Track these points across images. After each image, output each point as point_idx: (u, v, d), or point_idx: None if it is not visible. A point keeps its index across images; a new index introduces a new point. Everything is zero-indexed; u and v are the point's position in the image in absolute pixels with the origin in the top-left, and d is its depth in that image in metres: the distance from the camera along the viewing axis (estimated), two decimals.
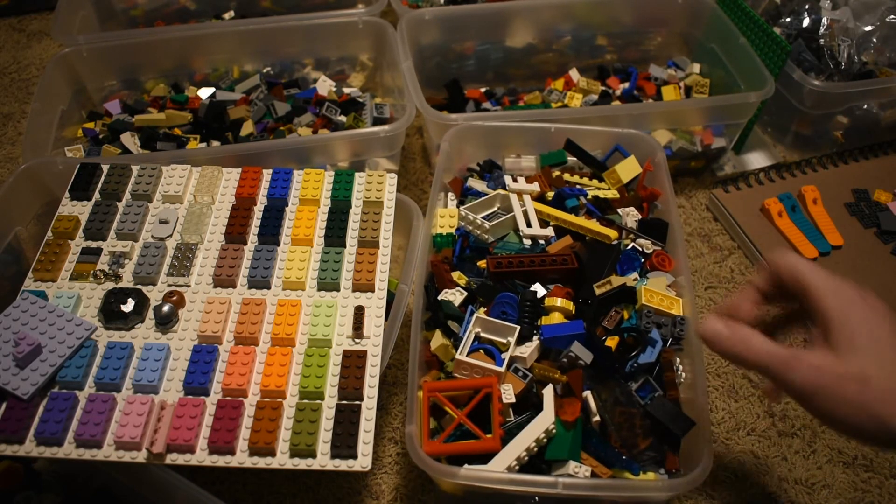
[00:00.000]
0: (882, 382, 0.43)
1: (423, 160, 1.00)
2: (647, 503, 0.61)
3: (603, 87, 1.02)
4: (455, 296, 0.67)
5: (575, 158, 0.82)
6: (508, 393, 0.59)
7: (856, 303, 0.47)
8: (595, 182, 0.81)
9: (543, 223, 0.74)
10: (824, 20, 0.97)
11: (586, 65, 1.07)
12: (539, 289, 0.67)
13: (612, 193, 0.78)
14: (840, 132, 0.99)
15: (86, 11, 1.03)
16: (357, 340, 0.62)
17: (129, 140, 0.91)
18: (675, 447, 0.60)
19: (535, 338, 0.63)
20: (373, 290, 0.66)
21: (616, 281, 0.67)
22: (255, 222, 0.70)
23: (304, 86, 1.00)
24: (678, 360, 0.65)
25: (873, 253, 0.88)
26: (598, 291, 0.67)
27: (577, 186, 0.79)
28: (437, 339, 0.63)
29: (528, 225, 0.73)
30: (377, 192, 0.72)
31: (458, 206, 0.78)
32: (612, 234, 0.71)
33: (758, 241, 0.88)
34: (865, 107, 0.97)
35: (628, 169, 0.79)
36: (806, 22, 0.98)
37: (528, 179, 0.80)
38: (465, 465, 0.56)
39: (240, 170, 0.74)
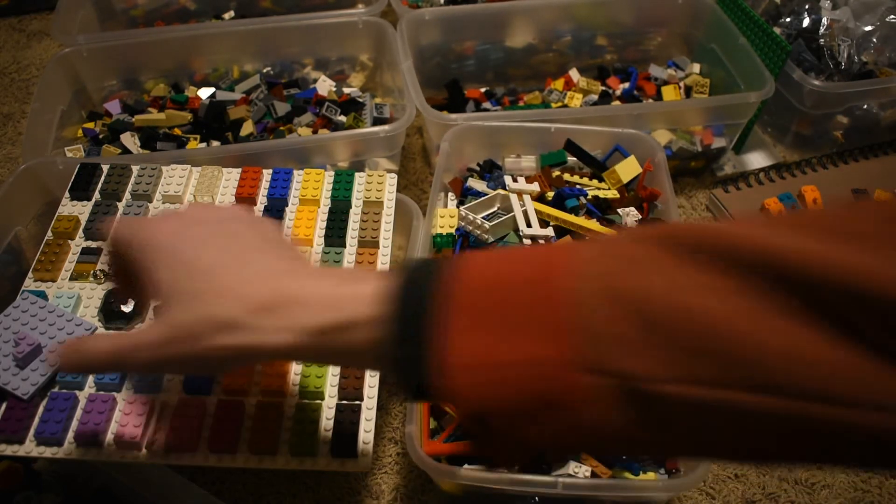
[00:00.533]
0: (200, 314, 0.38)
1: (423, 160, 1.00)
2: (647, 503, 0.61)
3: (603, 87, 1.02)
4: None
5: (575, 158, 0.82)
6: None
7: (152, 242, 0.41)
8: (595, 182, 0.81)
9: (543, 223, 0.74)
10: (824, 20, 0.97)
11: (586, 65, 1.07)
12: None
13: (612, 193, 0.78)
14: (840, 132, 0.99)
15: (86, 11, 1.03)
16: None
17: (129, 140, 0.91)
18: None
19: None
20: None
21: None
22: None
23: (304, 86, 1.00)
24: None
25: None
26: None
27: (577, 186, 0.79)
28: None
29: (528, 225, 0.73)
30: (377, 192, 0.72)
31: (458, 206, 0.78)
32: (613, 234, 0.71)
33: None
34: (865, 107, 0.97)
35: (628, 169, 0.79)
36: (806, 22, 0.98)
37: (528, 179, 0.80)
38: (465, 465, 0.56)
39: (240, 170, 0.74)
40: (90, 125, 0.95)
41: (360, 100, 0.97)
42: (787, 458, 0.32)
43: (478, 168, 0.85)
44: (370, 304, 0.35)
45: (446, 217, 0.75)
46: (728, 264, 0.28)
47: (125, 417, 0.56)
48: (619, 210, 0.76)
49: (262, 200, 0.72)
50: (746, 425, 0.28)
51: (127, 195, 0.72)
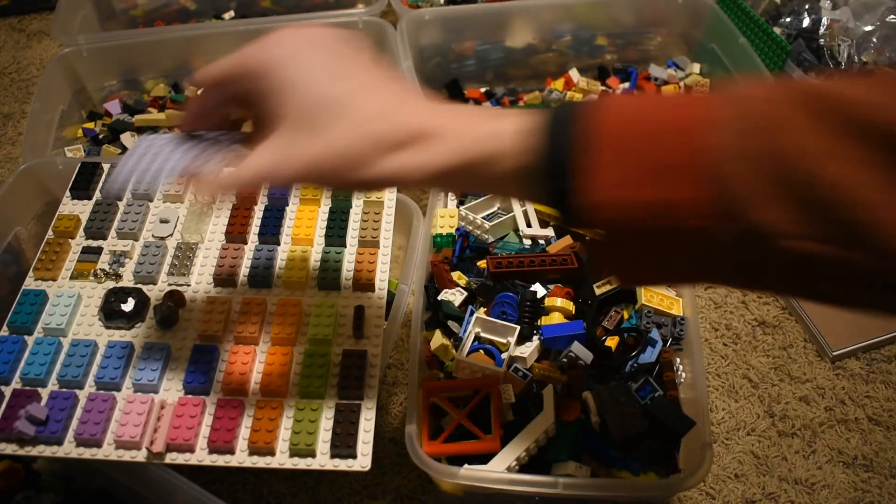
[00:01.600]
0: (356, 135, 0.40)
1: None
2: (647, 503, 0.61)
3: (603, 87, 1.02)
4: (455, 296, 0.67)
5: None
6: (508, 393, 0.59)
7: (291, 61, 0.41)
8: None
9: (543, 223, 0.74)
10: (824, 20, 0.97)
11: (586, 65, 1.07)
12: (539, 289, 0.67)
13: None
14: None
15: (86, 11, 1.03)
16: (357, 340, 0.62)
17: (130, 140, 0.91)
18: (675, 447, 0.60)
19: (535, 338, 0.63)
20: (373, 290, 0.66)
21: (616, 281, 0.67)
22: (256, 222, 0.70)
23: None
24: (678, 360, 0.65)
25: None
26: (597, 291, 0.67)
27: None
28: (437, 339, 0.63)
29: (528, 225, 0.73)
30: (377, 192, 0.72)
31: (458, 206, 0.78)
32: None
33: None
34: None
35: None
36: (806, 22, 0.98)
37: None
38: (465, 466, 0.56)
39: None
40: (90, 125, 0.95)
41: None
42: (870, 308, 0.35)
43: None
44: (513, 138, 0.38)
45: (446, 217, 0.75)
46: (860, 132, 0.30)
47: (125, 417, 0.56)
48: None
49: (262, 200, 0.72)
50: (850, 279, 0.32)
51: (127, 194, 0.72)
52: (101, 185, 0.72)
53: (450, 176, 0.40)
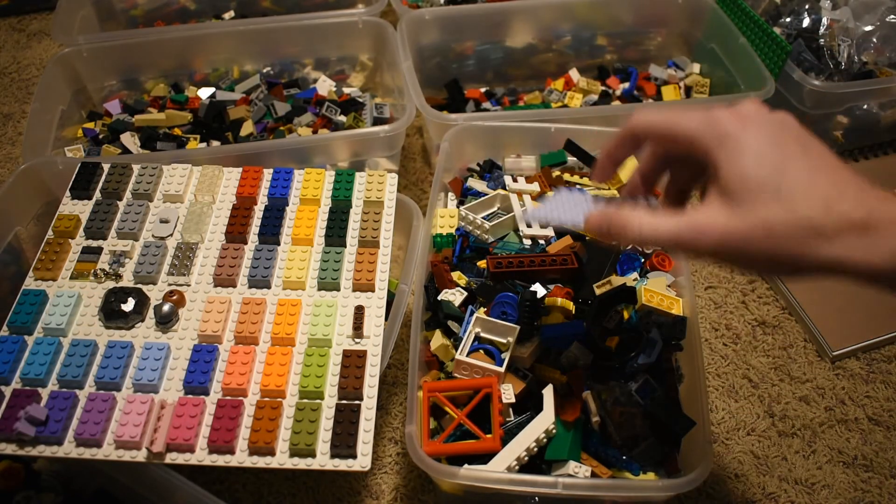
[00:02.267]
0: (789, 219, 0.39)
1: (423, 160, 1.00)
2: (647, 503, 0.61)
3: (603, 87, 1.02)
4: (455, 296, 0.67)
5: (575, 158, 0.82)
6: (508, 393, 0.59)
7: (736, 136, 0.41)
8: (595, 182, 0.81)
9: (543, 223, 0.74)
10: (824, 20, 0.97)
11: (586, 65, 1.07)
12: (539, 289, 0.67)
13: (613, 193, 0.78)
14: (840, 132, 0.99)
15: (86, 11, 1.03)
16: (357, 340, 0.62)
17: (129, 140, 0.91)
18: (675, 447, 0.60)
19: (535, 338, 0.63)
20: (373, 290, 0.66)
21: (616, 281, 0.67)
22: (256, 222, 0.70)
23: (304, 86, 1.00)
24: (678, 360, 0.65)
25: None
26: (598, 291, 0.67)
27: (578, 186, 0.79)
28: (437, 339, 0.63)
29: (528, 225, 0.73)
30: (377, 192, 0.72)
31: (458, 206, 0.78)
32: None
33: None
34: (865, 107, 0.97)
35: (628, 169, 0.79)
36: (806, 22, 0.98)
37: (528, 179, 0.80)
38: (465, 466, 0.56)
39: (240, 169, 0.74)
40: (90, 125, 0.95)
41: (360, 100, 0.97)
42: None
43: (478, 168, 0.85)
44: None
45: (446, 217, 0.75)
46: None
47: (125, 417, 0.56)
48: None
49: (262, 200, 0.72)
50: None
51: (128, 194, 0.72)
52: (99, 187, 0.72)
53: (892, 272, 0.38)
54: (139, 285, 0.65)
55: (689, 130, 0.43)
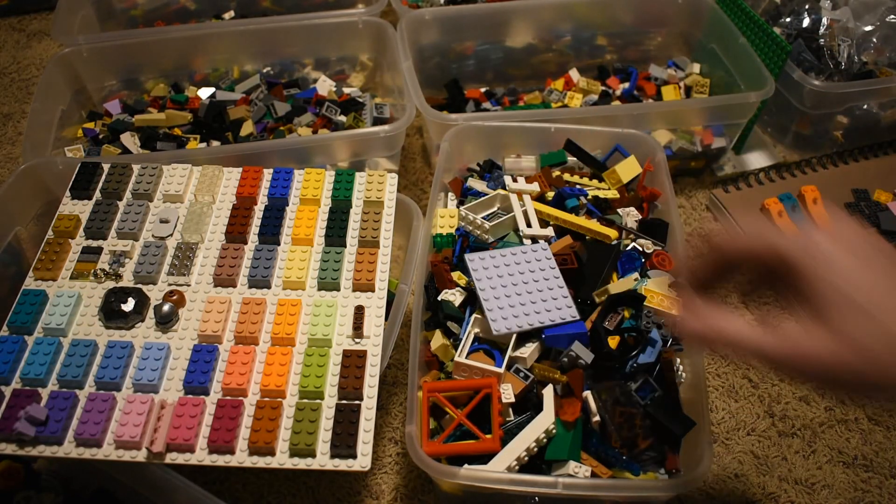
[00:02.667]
0: (888, 344, 0.39)
1: (423, 160, 1.00)
2: (647, 503, 0.61)
3: (603, 87, 1.02)
4: (455, 296, 0.67)
5: (575, 158, 0.82)
6: (508, 393, 0.59)
7: (836, 263, 0.42)
8: (595, 182, 0.81)
9: (543, 223, 0.74)
10: (824, 20, 0.97)
11: (586, 65, 1.07)
12: None
13: (612, 193, 0.78)
14: (840, 132, 0.99)
15: (86, 11, 1.03)
16: (357, 340, 0.62)
17: (129, 140, 0.91)
18: (675, 447, 0.60)
19: (535, 338, 0.63)
20: (373, 290, 0.66)
21: (614, 288, 0.66)
22: (256, 222, 0.70)
23: (304, 86, 1.00)
24: (678, 360, 0.65)
25: None
26: (598, 300, 0.67)
27: (577, 186, 0.79)
28: (437, 340, 0.63)
29: (528, 225, 0.73)
30: (377, 192, 0.72)
31: (458, 206, 0.78)
32: (613, 234, 0.71)
33: None
34: (865, 107, 0.97)
35: (628, 169, 0.79)
36: (806, 22, 0.98)
37: (528, 179, 0.80)
38: (465, 466, 0.56)
39: (240, 169, 0.74)
40: (90, 125, 0.95)
41: (360, 100, 0.97)
42: None
43: (478, 168, 0.85)
44: None
45: (446, 217, 0.75)
46: None
47: (125, 417, 0.56)
48: (619, 210, 0.76)
49: (262, 200, 0.72)
50: None
51: (128, 194, 0.72)
52: (99, 187, 0.72)
53: None
54: (139, 285, 0.65)
55: (789, 253, 0.44)
